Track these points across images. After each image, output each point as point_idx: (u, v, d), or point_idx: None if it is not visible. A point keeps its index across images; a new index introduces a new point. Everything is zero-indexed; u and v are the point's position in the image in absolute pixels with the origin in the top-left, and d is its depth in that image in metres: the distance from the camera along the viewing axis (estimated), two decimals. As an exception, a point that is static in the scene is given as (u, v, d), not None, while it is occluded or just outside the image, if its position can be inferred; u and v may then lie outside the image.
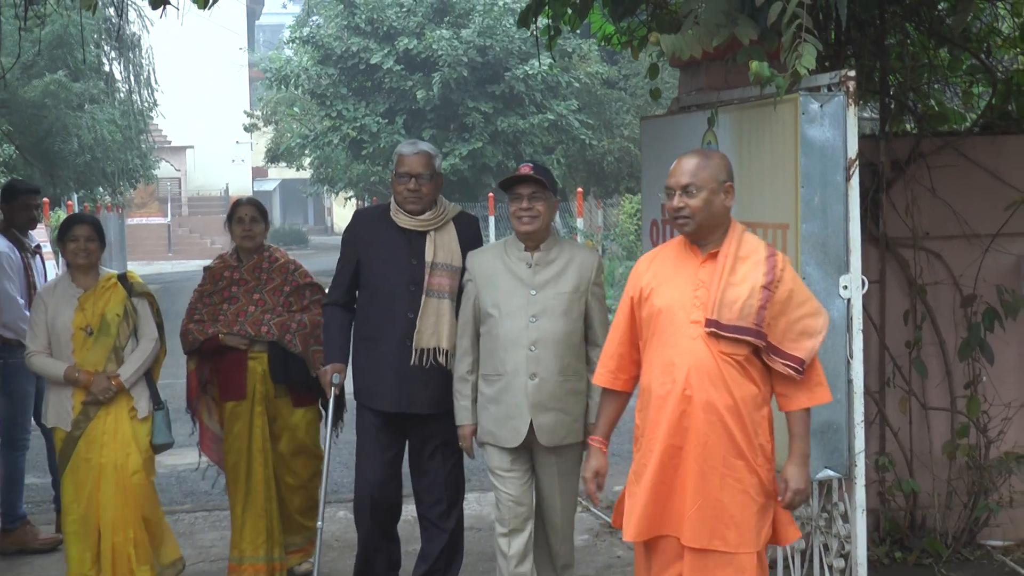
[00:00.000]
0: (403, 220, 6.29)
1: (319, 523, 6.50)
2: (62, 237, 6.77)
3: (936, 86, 7.97)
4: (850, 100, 5.63)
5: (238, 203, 7.18)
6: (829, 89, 5.73)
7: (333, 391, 6.44)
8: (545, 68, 24.85)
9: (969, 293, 7.38)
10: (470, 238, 6.42)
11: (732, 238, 4.83)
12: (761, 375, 4.78)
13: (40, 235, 9.67)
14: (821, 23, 5.96)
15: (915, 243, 7.34)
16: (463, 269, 6.26)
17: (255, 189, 51.59)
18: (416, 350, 6.19)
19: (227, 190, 48.76)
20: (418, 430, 6.40)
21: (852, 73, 5.66)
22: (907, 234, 7.34)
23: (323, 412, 6.95)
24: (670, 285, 4.85)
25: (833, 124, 5.68)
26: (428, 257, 6.25)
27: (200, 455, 7.35)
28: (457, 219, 6.43)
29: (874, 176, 7.29)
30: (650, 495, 4.74)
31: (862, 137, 7.40)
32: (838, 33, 7.21)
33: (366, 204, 31.37)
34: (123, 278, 6.88)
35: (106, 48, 23.00)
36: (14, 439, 7.98)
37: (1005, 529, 7.43)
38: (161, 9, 6.65)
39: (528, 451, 5.93)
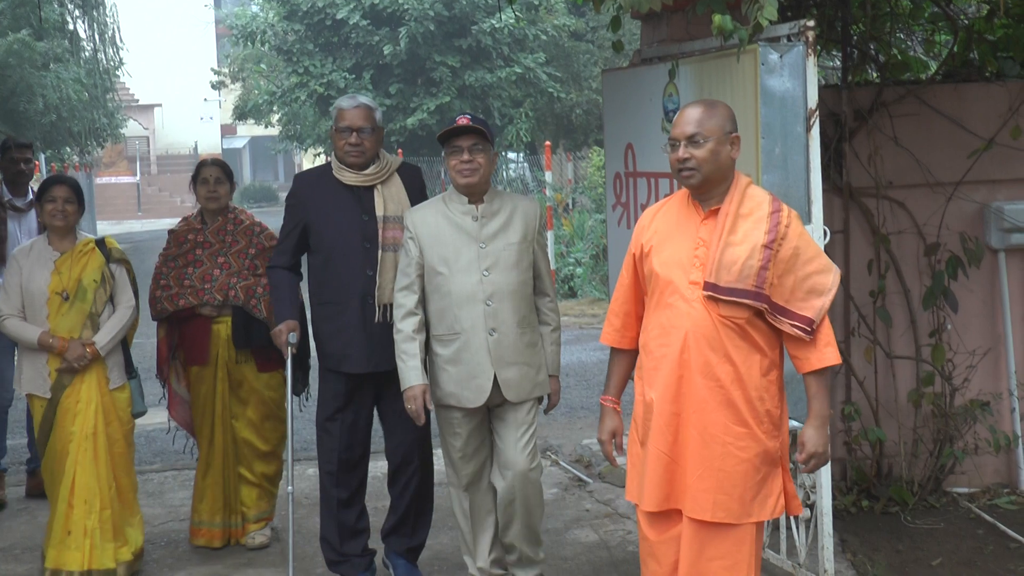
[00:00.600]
0: (348, 177, 6.12)
1: (289, 488, 6.33)
2: (39, 198, 6.64)
3: (898, 35, 7.92)
4: (809, 50, 5.57)
5: (203, 164, 7.05)
6: (789, 39, 5.67)
7: (290, 350, 6.29)
8: (511, 21, 24.78)
9: (933, 242, 7.40)
10: (416, 188, 6.29)
11: (734, 194, 4.58)
12: (767, 338, 4.55)
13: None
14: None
15: (878, 192, 7.33)
16: None
17: (224, 147, 51.41)
18: (380, 306, 6.03)
19: (196, 148, 48.60)
20: (385, 387, 6.18)
21: (811, 23, 5.59)
22: (870, 183, 7.32)
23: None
24: (670, 243, 4.63)
25: (793, 75, 5.63)
26: (379, 211, 6.08)
27: (169, 419, 7.28)
28: (401, 170, 6.27)
29: (837, 126, 7.29)
30: (654, 464, 4.58)
31: (825, 87, 7.46)
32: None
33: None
34: (101, 243, 6.69)
35: (70, 6, 22.90)
36: None
37: (970, 476, 7.47)
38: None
39: (484, 409, 5.80)
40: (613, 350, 4.94)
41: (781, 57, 5.65)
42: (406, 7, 24.89)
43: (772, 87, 5.67)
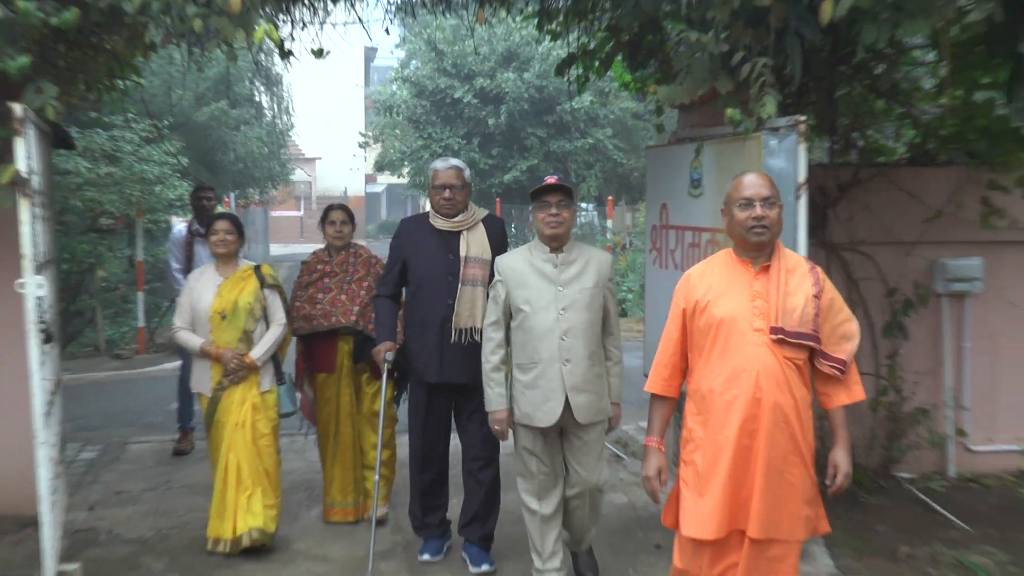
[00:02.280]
0: (440, 223, 5.93)
1: (376, 476, 6.17)
2: (206, 232, 6.46)
3: (874, 128, 7.85)
4: (801, 139, 5.45)
5: (330, 208, 6.77)
6: (786, 130, 5.57)
7: (386, 366, 6.01)
8: (587, 104, 24.71)
9: (892, 287, 7.30)
10: (497, 235, 6.02)
11: (778, 253, 4.27)
12: (809, 378, 4.24)
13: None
14: (785, 78, 5.86)
15: (853, 247, 7.25)
16: (491, 261, 5.81)
17: (367, 191, 51.61)
18: (456, 330, 5.80)
19: (346, 191, 48.74)
20: (460, 397, 5.99)
21: (803, 118, 5.50)
22: (847, 240, 7.24)
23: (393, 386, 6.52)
24: (728, 297, 4.23)
25: (787, 157, 5.54)
26: (463, 252, 5.85)
27: (301, 420, 7.05)
28: (485, 220, 6.02)
29: (824, 196, 7.22)
30: (724, 495, 4.13)
31: (815, 166, 7.36)
32: (801, 85, 7.14)
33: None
34: (258, 270, 6.42)
35: (256, 83, 23.09)
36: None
37: (912, 465, 7.40)
38: (287, 59, 6.69)
39: (558, 431, 5.41)
40: (657, 397, 4.48)
41: (779, 143, 5.58)
42: (506, 90, 24.85)
43: (771, 165, 5.57)
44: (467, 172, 6.03)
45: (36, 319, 5.25)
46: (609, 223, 22.39)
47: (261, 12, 5.51)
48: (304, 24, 6.80)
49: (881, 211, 7.29)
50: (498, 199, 25.11)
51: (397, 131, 29.43)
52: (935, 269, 7.42)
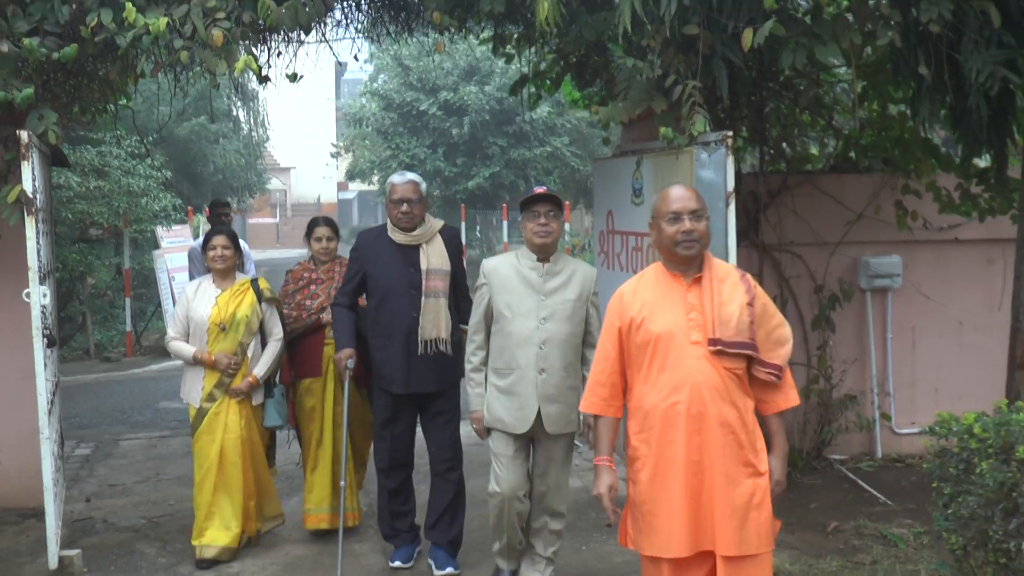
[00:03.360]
0: (399, 237, 5.76)
1: (342, 482, 6.03)
2: (204, 246, 6.27)
3: (801, 138, 8.19)
4: (728, 152, 5.67)
5: (315, 223, 6.52)
6: (715, 144, 5.78)
7: (348, 372, 5.80)
8: (544, 114, 25.00)
9: (820, 284, 7.62)
10: (455, 246, 5.87)
11: (708, 263, 4.05)
12: (750, 385, 3.99)
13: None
14: (718, 96, 6.17)
15: (782, 248, 7.55)
16: (451, 272, 5.77)
17: (339, 198, 51.62)
18: (421, 341, 5.64)
19: (319, 199, 48.79)
20: (426, 404, 5.83)
21: (730, 133, 5.75)
22: (778, 241, 7.54)
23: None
24: (663, 311, 3.97)
25: (717, 169, 5.74)
26: (423, 265, 5.70)
27: (288, 428, 6.54)
28: (442, 231, 5.86)
29: (756, 201, 7.53)
30: (687, 510, 3.88)
31: (747, 174, 7.70)
32: (731, 103, 7.47)
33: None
34: (255, 284, 6.23)
35: (234, 99, 23.19)
36: None
37: (841, 448, 7.71)
38: (264, 84, 6.94)
39: (528, 438, 5.22)
40: (600, 417, 4.17)
41: (709, 156, 5.80)
42: (469, 102, 25.07)
43: (703, 176, 5.80)
44: (423, 186, 5.88)
45: (41, 325, 5.50)
46: (568, 226, 22.69)
47: (241, 44, 5.78)
48: (279, 52, 7.05)
49: (808, 214, 7.62)
50: (463, 204, 25.36)
51: (367, 142, 29.51)
52: (859, 267, 7.76)
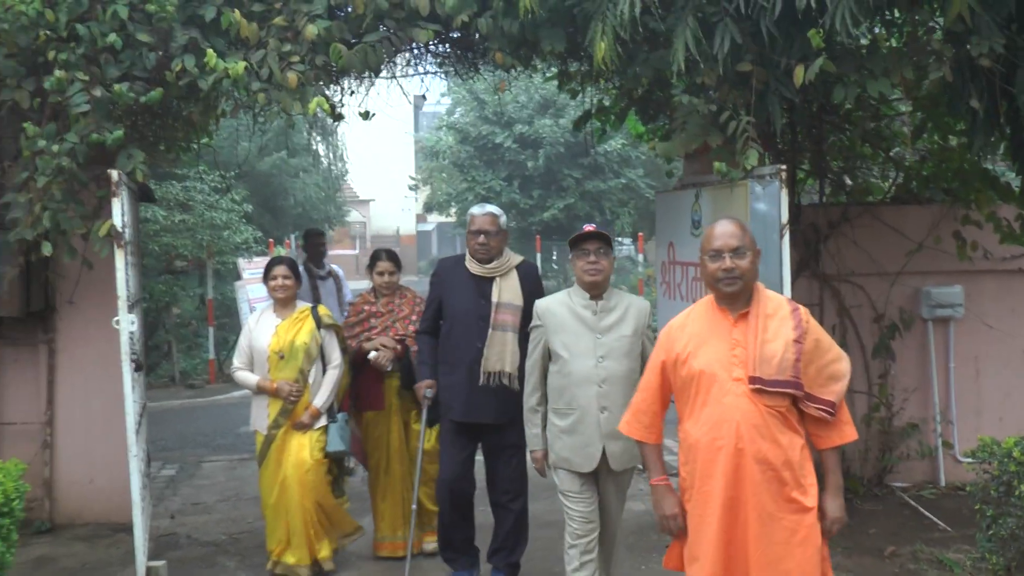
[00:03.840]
0: (474, 268, 5.80)
1: (413, 506, 6.11)
2: (265, 276, 6.31)
3: (862, 170, 8.30)
4: (782, 185, 5.80)
5: (377, 256, 6.62)
6: (770, 177, 5.92)
7: (427, 402, 5.96)
8: (618, 146, 25.22)
9: (880, 313, 7.72)
10: (531, 282, 5.88)
11: (758, 298, 4.00)
12: (799, 421, 3.93)
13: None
14: (774, 131, 6.34)
15: (842, 278, 7.67)
16: (523, 308, 5.71)
17: (418, 229, 52.33)
18: (484, 373, 5.67)
19: (398, 231, 49.51)
20: (488, 435, 5.86)
21: (783, 167, 5.88)
22: (838, 272, 7.66)
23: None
24: (707, 347, 3.96)
25: (770, 201, 5.90)
26: (495, 298, 5.73)
27: (349, 456, 6.70)
28: (519, 267, 5.88)
29: (816, 232, 7.68)
30: (717, 546, 3.87)
31: (808, 206, 7.84)
32: (792, 135, 7.65)
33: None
34: (315, 311, 6.29)
35: (313, 134, 23.77)
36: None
37: (904, 475, 7.78)
38: (338, 122, 7.31)
39: (594, 475, 5.11)
40: (644, 444, 4.25)
41: (763, 189, 5.97)
42: (544, 135, 25.43)
43: (757, 208, 5.98)
44: (503, 219, 5.89)
45: (129, 351, 5.88)
46: (640, 257, 22.84)
47: (314, 85, 6.13)
48: (352, 91, 7.40)
49: (868, 245, 7.74)
50: (538, 236, 25.65)
51: (444, 174, 30.05)
52: (920, 296, 7.86)
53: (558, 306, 5.19)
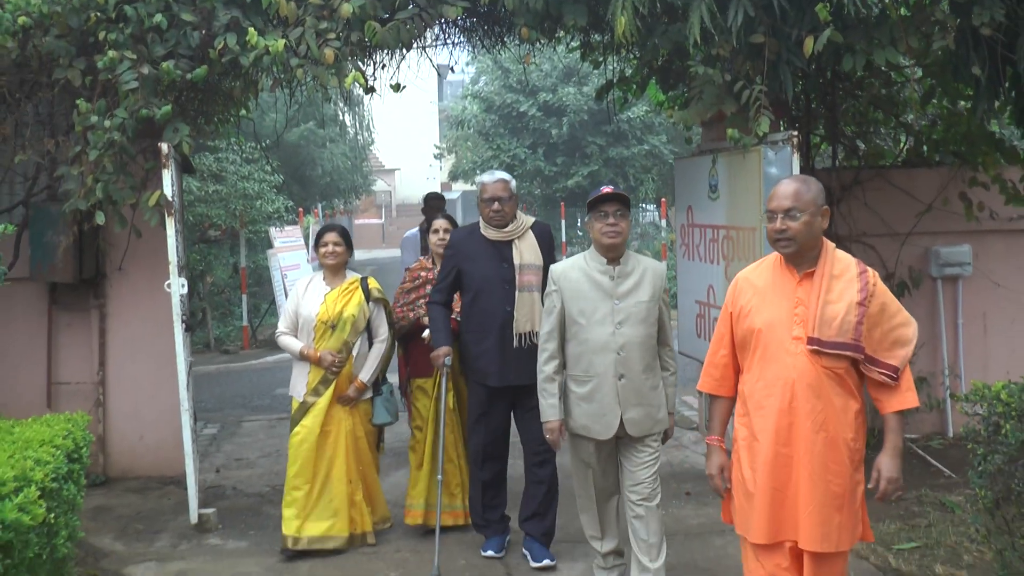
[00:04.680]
0: (491, 234, 5.84)
1: (439, 476, 6.00)
2: (316, 243, 6.29)
3: (875, 135, 8.59)
4: (793, 150, 6.16)
5: (435, 218, 6.66)
6: (782, 142, 6.27)
7: (445, 370, 5.90)
8: (642, 113, 25.42)
9: (890, 272, 7.99)
10: (546, 241, 5.94)
11: (826, 258, 3.93)
12: (857, 384, 3.92)
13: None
14: (786, 98, 6.64)
15: (855, 239, 7.91)
16: (544, 266, 5.74)
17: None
18: (516, 335, 5.71)
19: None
20: (521, 398, 5.83)
21: (795, 133, 6.25)
22: (850, 232, 7.91)
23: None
24: (770, 304, 3.96)
25: (782, 166, 6.23)
26: (516, 260, 5.77)
27: (410, 423, 6.57)
28: (534, 227, 5.93)
29: (829, 195, 7.92)
30: (768, 502, 3.90)
31: (821, 170, 8.14)
32: (807, 103, 7.95)
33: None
34: (364, 282, 6.22)
35: (340, 105, 24.09)
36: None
37: (913, 427, 8.08)
38: (371, 95, 7.67)
39: (613, 441, 5.10)
40: (714, 397, 4.24)
41: (776, 154, 6.31)
42: (567, 103, 25.66)
43: (770, 173, 6.30)
44: (513, 183, 5.94)
45: (180, 312, 6.29)
46: (663, 222, 23.12)
47: (350, 60, 6.49)
48: (384, 65, 7.76)
49: (879, 207, 8.03)
50: (562, 203, 25.93)
51: (469, 143, 30.28)
52: (930, 256, 8.16)
53: (574, 271, 5.12)
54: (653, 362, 5.09)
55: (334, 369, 6.05)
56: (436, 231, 6.50)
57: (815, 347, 3.82)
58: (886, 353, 3.87)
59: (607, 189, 5.08)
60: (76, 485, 4.93)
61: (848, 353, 3.82)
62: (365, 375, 6.14)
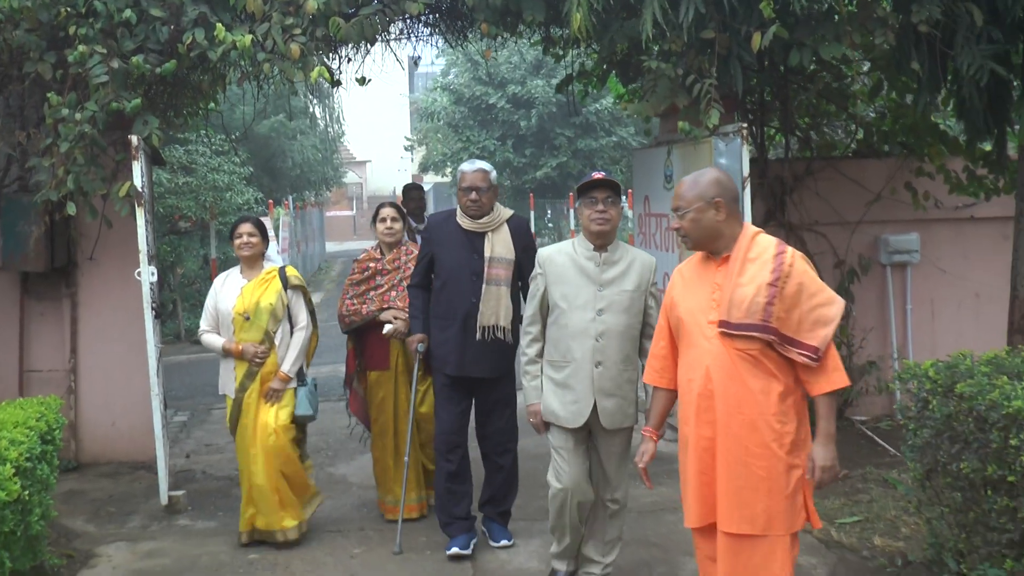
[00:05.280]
0: (466, 223, 5.79)
1: (405, 458, 6.09)
2: (231, 235, 6.18)
3: (828, 127, 8.86)
4: (743, 142, 6.38)
5: (381, 205, 6.58)
6: (733, 134, 6.49)
7: (418, 356, 5.94)
8: (610, 105, 25.66)
9: (841, 259, 8.26)
10: (522, 235, 5.87)
11: (742, 243, 3.95)
12: (780, 367, 3.86)
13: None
14: (735, 92, 6.87)
15: (807, 227, 8.19)
16: (516, 261, 5.74)
17: (414, 190, 52.76)
18: (480, 327, 5.68)
19: (395, 191, 49.56)
20: (481, 390, 5.89)
21: (744, 125, 6.51)
22: (802, 221, 8.19)
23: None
24: (692, 292, 4.03)
25: (732, 156, 6.46)
26: (487, 253, 5.72)
27: (350, 416, 6.77)
28: (510, 221, 5.86)
29: (782, 185, 8.20)
30: (695, 484, 3.98)
31: (775, 160, 8.40)
32: (760, 96, 8.20)
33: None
34: (282, 271, 6.13)
35: (310, 97, 24.18)
36: None
37: (862, 409, 8.36)
38: (336, 88, 7.86)
39: (586, 431, 5.02)
40: (655, 388, 4.29)
41: (727, 146, 6.55)
42: (536, 95, 25.90)
43: (721, 163, 6.51)
44: (493, 174, 5.88)
45: (151, 299, 6.48)
46: (629, 212, 23.38)
47: (315, 55, 6.68)
48: (349, 59, 7.95)
49: (830, 196, 8.29)
50: (531, 194, 26.19)
51: (439, 135, 30.49)
52: (879, 244, 8.42)
53: (560, 256, 5.07)
54: (632, 353, 5.02)
55: (257, 360, 5.96)
56: (383, 220, 6.45)
57: (723, 329, 3.87)
58: (807, 334, 3.82)
59: (598, 175, 5.01)
60: (49, 466, 5.12)
61: (757, 334, 3.82)
62: (287, 365, 6.03)
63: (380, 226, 6.46)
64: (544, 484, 5.23)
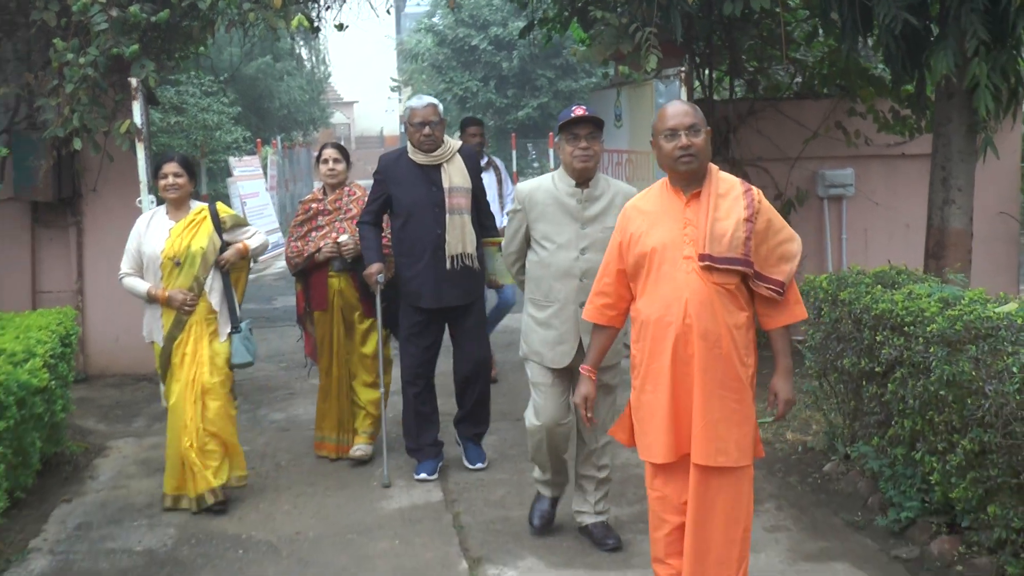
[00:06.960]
0: (421, 158, 5.85)
1: (380, 389, 6.21)
2: (155, 175, 5.73)
3: (773, 70, 9.57)
4: (682, 84, 7.02)
5: (324, 147, 6.48)
6: (673, 77, 7.13)
7: (378, 287, 5.92)
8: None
9: (782, 192, 8.96)
10: (472, 165, 5.98)
11: (711, 178, 3.90)
12: (747, 301, 3.89)
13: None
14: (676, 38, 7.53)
15: (751, 163, 8.87)
16: (472, 189, 5.88)
17: (400, 131, 53.16)
18: (448, 257, 5.79)
19: (382, 131, 50.34)
20: (455, 318, 6.01)
21: (683, 68, 7.15)
22: (746, 157, 8.87)
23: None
24: (660, 226, 3.90)
25: (671, 97, 6.96)
26: (446, 184, 5.82)
27: (306, 358, 6.71)
28: (461, 151, 5.97)
29: (728, 123, 8.89)
30: (667, 419, 3.87)
31: (720, 101, 9.10)
32: (708, 40, 8.88)
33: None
34: (213, 208, 5.73)
35: (297, 39, 24.60)
36: None
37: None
38: (316, 34, 8.54)
39: (568, 369, 4.88)
40: (596, 326, 4.22)
41: (666, 87, 7.19)
42: (518, 37, 26.39)
43: (661, 104, 7.09)
44: (441, 108, 5.96)
45: (150, 225, 7.22)
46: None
47: (296, 4, 7.36)
48: (328, 6, 8.64)
49: (771, 134, 9.01)
50: (513, 135, 26.72)
51: (423, 76, 30.95)
52: (817, 178, 9.16)
53: (541, 193, 4.90)
54: None
55: (186, 308, 5.52)
56: (326, 161, 6.36)
57: (707, 263, 3.79)
58: (773, 269, 3.86)
59: (579, 110, 4.79)
60: (67, 365, 5.91)
61: (739, 268, 3.80)
62: (254, 243, 5.77)
63: (323, 167, 6.37)
64: (523, 393, 5.27)
